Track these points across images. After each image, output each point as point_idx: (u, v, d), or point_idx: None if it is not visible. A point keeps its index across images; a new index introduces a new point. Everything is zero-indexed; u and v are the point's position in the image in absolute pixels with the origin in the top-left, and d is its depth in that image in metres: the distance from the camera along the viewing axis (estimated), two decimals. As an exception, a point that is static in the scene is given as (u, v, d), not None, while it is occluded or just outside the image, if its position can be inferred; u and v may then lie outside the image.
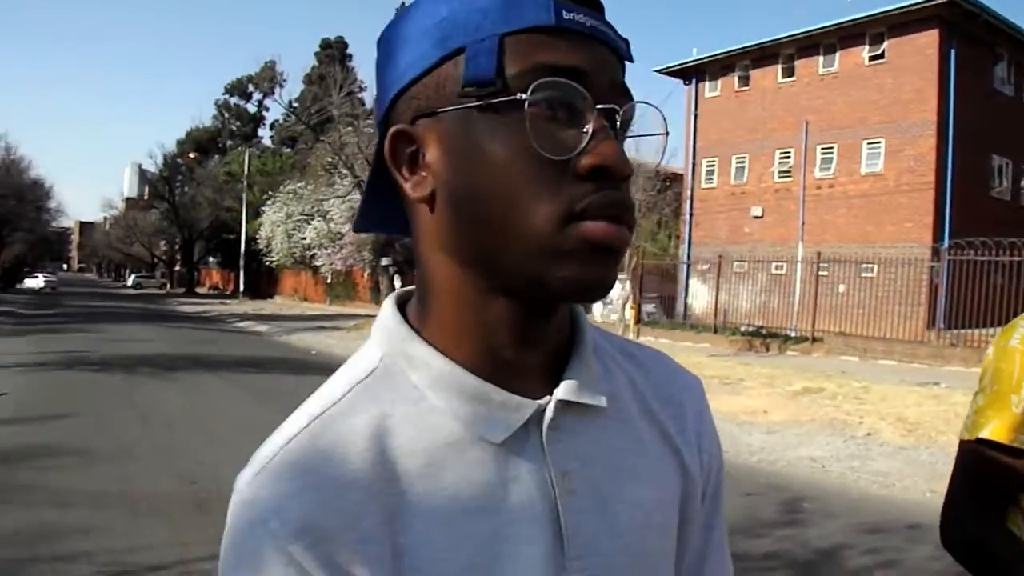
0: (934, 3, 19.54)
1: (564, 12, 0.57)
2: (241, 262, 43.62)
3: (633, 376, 0.71)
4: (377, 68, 0.64)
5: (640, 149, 15.31)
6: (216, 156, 55.39)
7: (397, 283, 23.13)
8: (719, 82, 26.07)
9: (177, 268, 63.78)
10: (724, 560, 0.76)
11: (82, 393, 9.92)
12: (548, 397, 0.63)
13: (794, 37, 23.26)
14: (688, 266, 25.45)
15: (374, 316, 0.72)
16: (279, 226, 36.57)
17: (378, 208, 0.71)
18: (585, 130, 0.57)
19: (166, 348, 16.15)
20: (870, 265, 19.13)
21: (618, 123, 0.59)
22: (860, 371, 13.95)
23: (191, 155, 52.87)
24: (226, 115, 58.88)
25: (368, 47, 0.69)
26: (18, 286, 54.20)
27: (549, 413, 0.62)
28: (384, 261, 25.34)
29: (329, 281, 38.13)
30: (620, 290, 19.70)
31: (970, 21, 20.25)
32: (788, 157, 23.58)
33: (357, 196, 23.06)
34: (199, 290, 57.70)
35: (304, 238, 34.25)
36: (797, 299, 20.15)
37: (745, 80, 25.24)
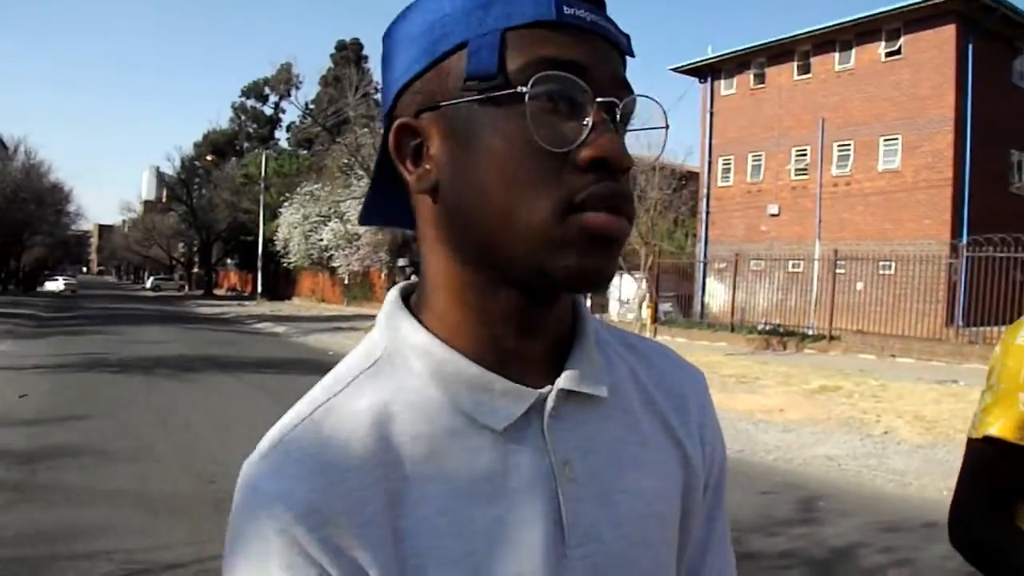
0: (951, -3, 19.37)
1: (565, 7, 0.58)
2: (259, 264, 43.77)
3: (635, 367, 0.72)
4: (382, 63, 0.66)
5: (652, 146, 15.26)
6: (233, 158, 55.65)
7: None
8: (735, 80, 25.98)
9: (195, 270, 64.10)
10: (726, 551, 0.76)
11: (101, 394, 10.00)
12: (550, 386, 0.63)
13: (810, 34, 23.11)
14: (705, 265, 25.35)
15: None
16: (296, 227, 36.78)
17: (384, 201, 0.72)
18: (585, 123, 0.58)
19: (184, 349, 16.25)
20: (888, 262, 19.00)
21: (618, 116, 0.60)
22: (878, 369, 13.88)
23: (209, 158, 53.18)
24: (243, 117, 59.23)
25: (383, 50, 0.70)
26: (38, 289, 54.67)
27: (550, 402, 0.63)
28: (401, 262, 25.40)
29: (346, 282, 38.20)
30: (637, 289, 19.67)
31: (988, 15, 20.02)
32: (804, 154, 23.46)
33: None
34: (217, 292, 57.98)
35: (321, 239, 34.42)
36: (814, 297, 20.06)
37: (761, 78, 25.13)
